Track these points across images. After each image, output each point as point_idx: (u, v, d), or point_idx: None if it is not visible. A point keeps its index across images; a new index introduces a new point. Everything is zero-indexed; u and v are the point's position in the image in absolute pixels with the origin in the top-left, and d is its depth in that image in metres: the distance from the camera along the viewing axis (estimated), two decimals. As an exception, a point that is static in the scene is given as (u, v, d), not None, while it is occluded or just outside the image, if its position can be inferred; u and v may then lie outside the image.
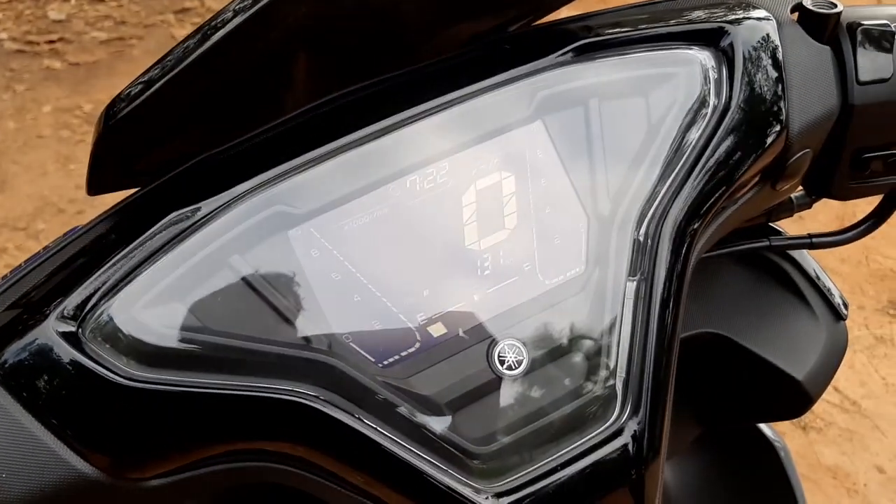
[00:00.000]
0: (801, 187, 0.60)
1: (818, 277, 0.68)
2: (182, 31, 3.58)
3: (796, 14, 0.54)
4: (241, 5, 0.40)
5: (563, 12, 0.55)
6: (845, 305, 0.68)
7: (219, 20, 0.40)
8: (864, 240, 2.28)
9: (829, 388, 2.27)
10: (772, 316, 0.66)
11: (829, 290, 0.68)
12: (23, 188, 2.84)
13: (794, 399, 0.66)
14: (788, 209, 0.61)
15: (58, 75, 3.39)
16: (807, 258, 0.69)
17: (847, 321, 2.11)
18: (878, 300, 2.54)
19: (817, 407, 2.23)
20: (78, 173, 2.89)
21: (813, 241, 0.63)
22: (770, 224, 0.66)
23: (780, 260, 0.68)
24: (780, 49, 0.51)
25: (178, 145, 0.47)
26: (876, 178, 0.57)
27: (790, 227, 0.70)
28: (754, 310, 0.67)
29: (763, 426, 0.87)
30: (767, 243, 0.62)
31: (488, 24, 0.52)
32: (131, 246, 0.42)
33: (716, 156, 0.48)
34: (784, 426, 2.18)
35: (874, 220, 0.63)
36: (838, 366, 0.67)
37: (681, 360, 0.70)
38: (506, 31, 0.54)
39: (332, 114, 0.48)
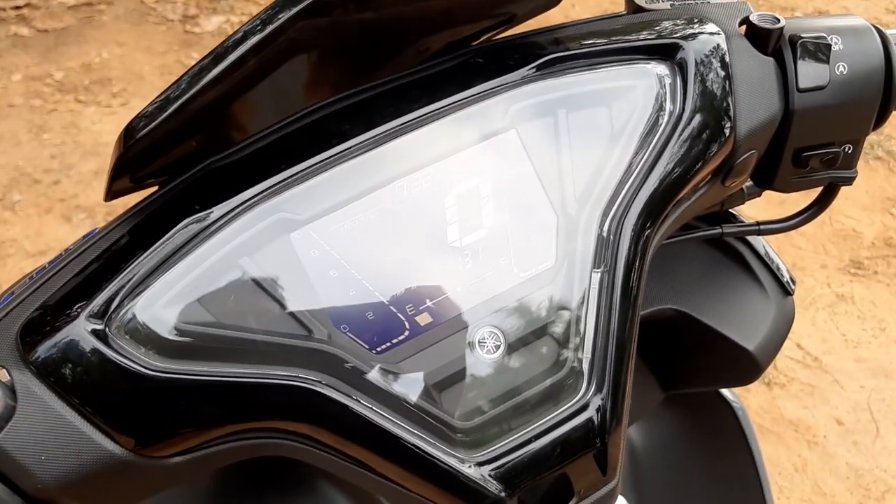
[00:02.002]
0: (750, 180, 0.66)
1: (768, 256, 0.74)
2: (151, -4, 3.55)
3: (744, 27, 0.60)
4: (254, 26, 0.45)
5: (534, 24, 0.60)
6: (792, 281, 0.74)
7: (234, 38, 0.45)
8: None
9: (792, 345, 2.35)
10: (726, 293, 0.72)
11: (777, 267, 0.74)
12: (-4, 158, 2.83)
13: (746, 367, 0.72)
14: (740, 198, 0.67)
15: (26, 42, 3.32)
16: (758, 239, 0.75)
17: (810, 279, 2.18)
18: (840, 259, 2.62)
19: (781, 363, 2.31)
20: (52, 143, 2.87)
21: (761, 228, 0.69)
22: (728, 210, 0.72)
23: (734, 241, 0.74)
24: (728, 62, 0.56)
25: (188, 149, 0.51)
26: (814, 173, 0.62)
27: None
28: (711, 287, 0.73)
29: (723, 390, 0.94)
30: (720, 231, 0.68)
31: (465, 33, 0.57)
32: (150, 250, 0.46)
33: (671, 158, 0.53)
34: (749, 383, 2.26)
35: (815, 209, 0.69)
36: (786, 337, 0.73)
37: (646, 333, 0.76)
38: (480, 40, 0.58)
39: (326, 122, 0.53)
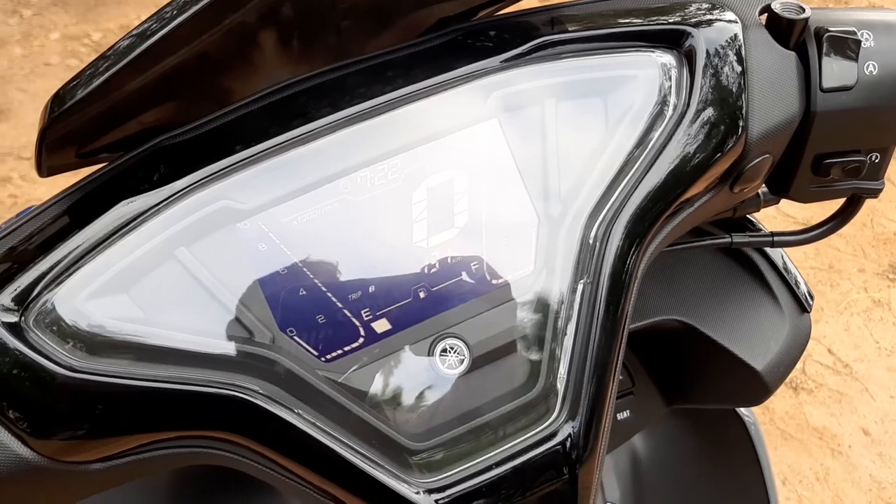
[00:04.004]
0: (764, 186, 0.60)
1: (787, 269, 0.68)
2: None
3: (765, 16, 0.53)
4: None
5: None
6: (811, 297, 0.68)
7: (175, 5, 0.40)
8: (870, 202, 2.26)
9: (823, 350, 2.29)
10: (737, 306, 0.67)
11: (796, 281, 0.68)
12: (28, 117, 2.82)
13: (753, 388, 0.67)
14: (755, 204, 0.61)
15: (66, 1, 3.34)
16: (779, 253, 0.69)
17: (846, 283, 2.11)
18: (879, 263, 2.54)
19: (810, 368, 2.25)
20: (84, 104, 2.89)
21: (774, 240, 0.63)
22: (746, 215, 0.66)
23: (751, 252, 0.68)
24: (743, 54, 0.50)
25: (136, 125, 0.47)
26: (836, 182, 0.56)
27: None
28: (721, 299, 0.67)
29: None
30: (730, 240, 0.62)
31: (459, 9, 0.52)
32: (78, 235, 0.42)
33: (671, 159, 0.47)
34: (775, 386, 2.20)
35: (836, 222, 0.63)
36: (799, 357, 0.68)
37: (650, 343, 0.70)
38: (473, 17, 0.53)
39: (289, 102, 0.48)
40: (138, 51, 0.39)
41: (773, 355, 0.65)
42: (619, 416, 0.73)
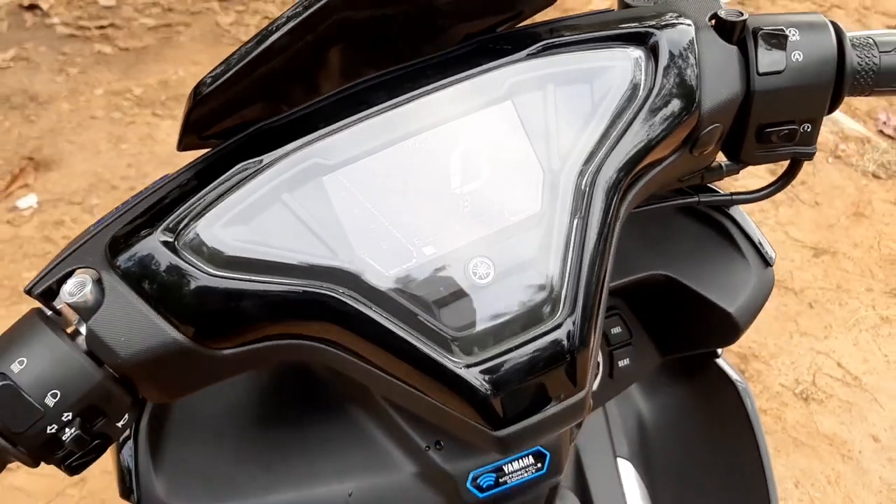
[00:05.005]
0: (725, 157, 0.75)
1: (752, 232, 0.83)
2: (226, 19, 3.68)
3: (713, 21, 0.69)
4: (295, 11, 0.57)
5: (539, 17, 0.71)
6: (773, 254, 0.83)
7: (278, 22, 0.57)
8: (877, 226, 2.36)
9: (832, 364, 2.37)
10: (712, 262, 0.81)
11: (760, 242, 0.83)
12: (78, 166, 2.94)
13: (727, 329, 0.80)
14: (718, 174, 0.76)
15: (108, 60, 3.45)
16: (746, 219, 0.84)
17: (855, 301, 2.19)
18: (886, 283, 2.62)
19: (819, 380, 2.34)
20: (129, 153, 3.00)
21: (733, 198, 0.78)
22: (710, 184, 0.81)
23: (722, 218, 0.83)
24: (696, 48, 0.65)
25: (243, 116, 0.63)
26: (777, 148, 0.71)
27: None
28: (698, 257, 0.82)
29: (727, 368, 1.02)
30: (697, 199, 0.78)
31: (479, 27, 0.68)
32: (211, 185, 0.58)
33: (641, 127, 0.62)
34: (786, 398, 2.29)
35: (780, 183, 0.78)
36: (763, 303, 0.82)
37: (642, 299, 0.85)
38: (492, 32, 0.69)
39: (357, 94, 0.65)
40: (237, 67, 0.56)
41: (742, 300, 0.80)
42: (621, 364, 0.87)
